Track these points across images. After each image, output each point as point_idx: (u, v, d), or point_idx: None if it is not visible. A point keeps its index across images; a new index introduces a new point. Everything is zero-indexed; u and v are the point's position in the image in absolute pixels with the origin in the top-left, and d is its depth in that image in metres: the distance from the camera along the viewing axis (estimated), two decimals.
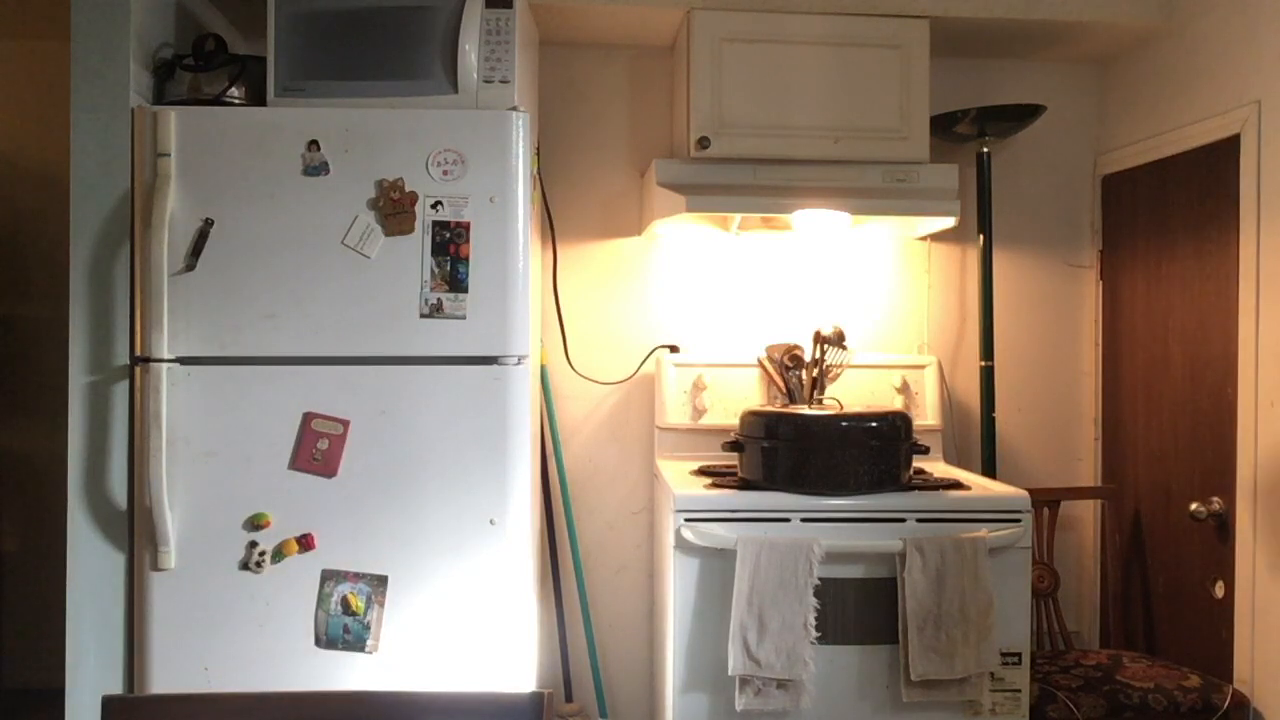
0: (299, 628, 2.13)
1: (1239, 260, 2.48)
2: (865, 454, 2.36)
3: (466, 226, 2.14)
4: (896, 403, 2.87)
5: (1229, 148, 2.52)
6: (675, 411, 2.85)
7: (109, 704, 1.31)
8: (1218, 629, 2.56)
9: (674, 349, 2.94)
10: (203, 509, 2.13)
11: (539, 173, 2.77)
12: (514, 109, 2.19)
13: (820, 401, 2.65)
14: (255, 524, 2.13)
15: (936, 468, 2.77)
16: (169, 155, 2.11)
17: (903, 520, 2.30)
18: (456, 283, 2.15)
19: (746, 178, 2.61)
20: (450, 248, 2.14)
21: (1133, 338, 2.93)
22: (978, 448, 2.98)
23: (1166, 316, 2.78)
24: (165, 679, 2.13)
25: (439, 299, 2.14)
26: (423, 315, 2.14)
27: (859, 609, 2.29)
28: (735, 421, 2.55)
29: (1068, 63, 3.09)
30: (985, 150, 2.91)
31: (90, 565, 2.15)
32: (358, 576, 2.14)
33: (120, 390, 2.16)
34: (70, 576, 2.15)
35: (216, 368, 2.13)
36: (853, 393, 2.85)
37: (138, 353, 2.14)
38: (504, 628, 2.16)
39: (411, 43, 2.24)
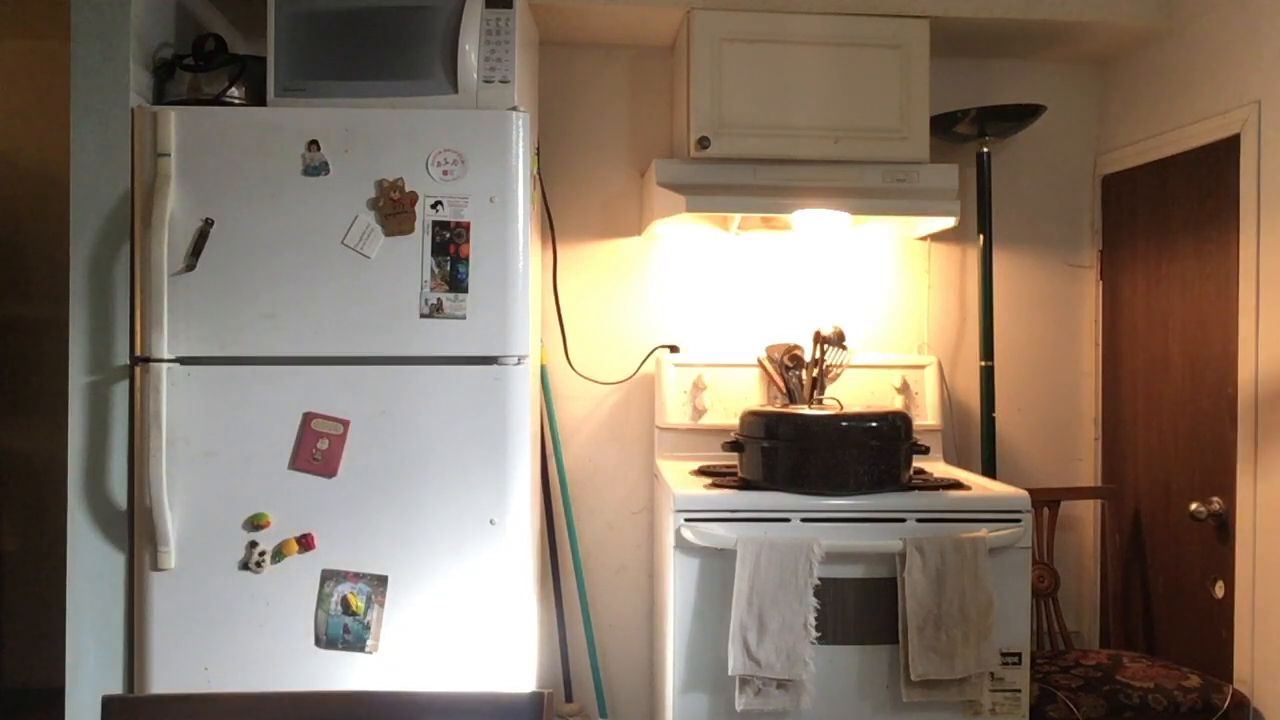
0: (299, 628, 2.13)
1: (1239, 260, 2.48)
2: (865, 454, 2.36)
3: (466, 226, 2.14)
4: (896, 403, 2.87)
5: (1229, 148, 2.52)
6: (675, 411, 2.85)
7: (109, 704, 1.31)
8: (1218, 629, 2.56)
9: (674, 349, 2.94)
10: (203, 509, 2.13)
11: (539, 173, 2.77)
12: (514, 109, 2.19)
13: (820, 401, 2.65)
14: (255, 524, 2.13)
15: (936, 468, 2.77)
16: (169, 155, 2.11)
17: (903, 520, 2.30)
18: (456, 283, 2.15)
19: (746, 178, 2.61)
20: (450, 248, 2.14)
21: (1133, 338, 2.93)
22: (978, 448, 2.98)
23: (1166, 316, 2.78)
24: (165, 679, 2.13)
25: (439, 299, 2.14)
26: (423, 315, 2.14)
27: (859, 609, 2.29)
28: (735, 421, 2.55)
29: (1068, 63, 3.09)
30: (985, 150, 2.91)
31: (90, 565, 2.15)
32: (358, 576, 2.14)
33: (120, 390, 2.16)
34: (70, 576, 2.15)
35: (216, 368, 2.13)
36: (853, 393, 2.85)
37: (138, 353, 2.14)
38: (504, 628, 2.16)
39: (411, 43, 2.24)
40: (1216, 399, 2.57)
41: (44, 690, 3.31)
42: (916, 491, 2.37)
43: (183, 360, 2.12)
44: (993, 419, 2.93)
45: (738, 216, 2.80)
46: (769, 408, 2.57)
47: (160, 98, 2.30)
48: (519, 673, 2.18)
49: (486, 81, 2.23)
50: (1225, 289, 2.54)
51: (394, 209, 2.13)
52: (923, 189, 2.62)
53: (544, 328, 2.92)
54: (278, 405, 2.13)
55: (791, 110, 2.63)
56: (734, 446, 2.48)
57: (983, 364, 2.94)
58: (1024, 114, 2.80)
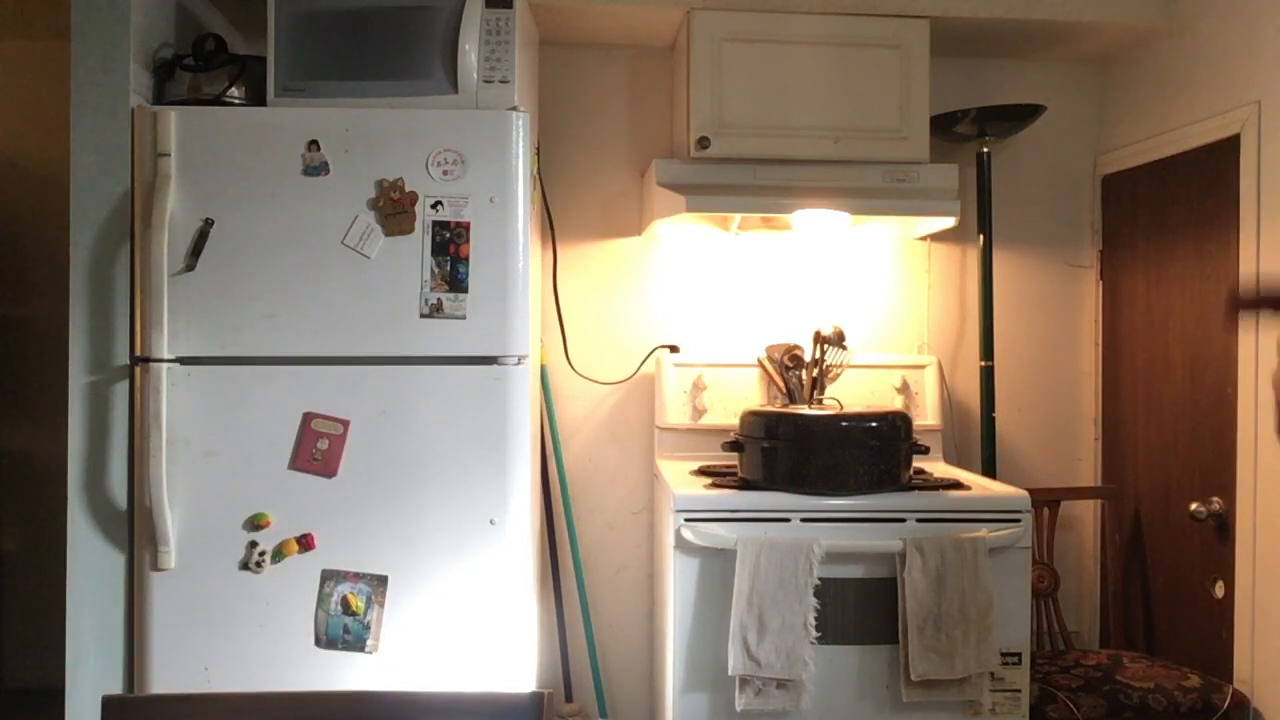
0: (299, 628, 2.13)
1: (1239, 260, 2.48)
2: (865, 454, 2.36)
3: (466, 226, 2.14)
4: (896, 403, 2.87)
5: (1229, 148, 2.52)
6: (675, 411, 2.85)
7: (109, 704, 1.31)
8: (1218, 629, 2.56)
9: (674, 349, 2.94)
10: (203, 509, 2.13)
11: (539, 173, 2.77)
12: (514, 109, 2.19)
13: (820, 401, 2.66)
14: (255, 524, 2.13)
15: (936, 468, 2.77)
16: (169, 155, 2.11)
17: (903, 520, 2.30)
18: (456, 283, 2.15)
19: (746, 178, 2.61)
20: (450, 248, 2.14)
21: (1133, 338, 2.93)
22: (978, 448, 2.98)
23: (1166, 316, 2.78)
24: (165, 679, 2.13)
25: (439, 299, 2.14)
26: (423, 315, 2.14)
27: (859, 609, 2.29)
28: (735, 421, 2.55)
29: (1068, 63, 3.09)
30: (985, 150, 2.91)
31: (90, 565, 2.15)
32: (358, 576, 2.14)
33: (120, 390, 2.16)
34: (70, 576, 2.15)
35: (216, 368, 2.13)
36: (853, 393, 2.85)
37: (138, 353, 2.14)
38: (504, 628, 2.16)
39: (411, 43, 2.24)
40: (1216, 399, 2.57)
41: (44, 690, 3.31)
42: (916, 491, 2.37)
43: (183, 360, 2.12)
44: (993, 419, 2.93)
45: (738, 216, 2.80)
46: (769, 408, 2.57)
47: (160, 98, 2.30)
48: (519, 673, 2.17)
49: (486, 81, 2.23)
50: (1225, 289, 2.54)
51: (394, 209, 2.13)
52: (923, 189, 2.62)
53: (544, 328, 2.92)
54: (278, 405, 2.13)
55: (791, 110, 2.63)
56: (734, 446, 2.48)
57: (983, 364, 2.94)
58: (1024, 114, 2.80)
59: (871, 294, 3.05)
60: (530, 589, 2.31)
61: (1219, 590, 2.56)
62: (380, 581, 2.14)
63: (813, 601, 2.23)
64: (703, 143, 2.60)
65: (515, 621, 2.17)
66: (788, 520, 2.29)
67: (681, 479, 2.51)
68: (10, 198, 3.50)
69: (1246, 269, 2.45)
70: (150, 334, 2.10)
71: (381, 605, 2.14)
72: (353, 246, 2.14)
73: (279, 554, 2.13)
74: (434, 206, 2.14)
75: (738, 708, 2.25)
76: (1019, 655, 2.32)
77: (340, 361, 2.14)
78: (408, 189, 2.13)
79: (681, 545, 2.30)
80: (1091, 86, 3.11)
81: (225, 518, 2.13)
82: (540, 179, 2.84)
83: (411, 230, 2.14)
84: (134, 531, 2.16)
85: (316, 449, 2.14)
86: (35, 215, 3.50)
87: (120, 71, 2.16)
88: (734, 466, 2.55)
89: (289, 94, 2.24)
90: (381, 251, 2.14)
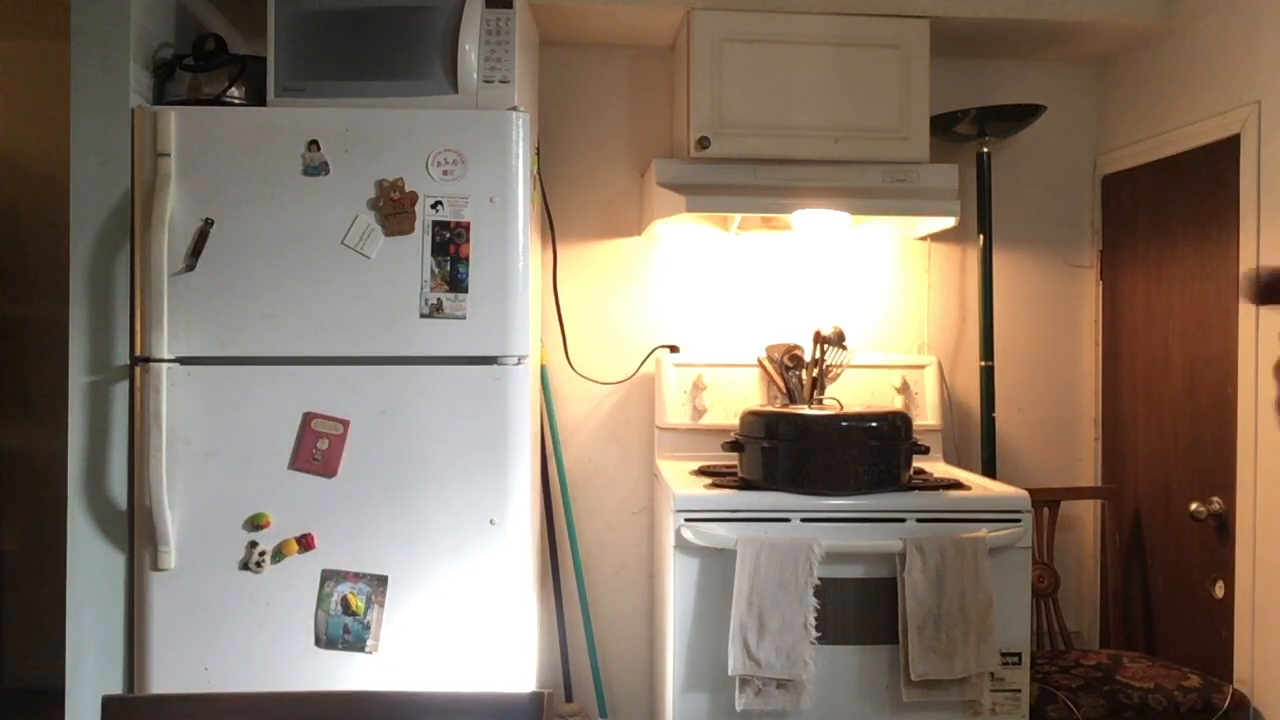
0: (299, 628, 2.13)
1: (1239, 260, 2.48)
2: (865, 454, 2.36)
3: (466, 226, 2.14)
4: (896, 403, 2.87)
5: (1229, 148, 2.52)
6: (675, 411, 2.85)
7: (109, 704, 1.31)
8: (1218, 629, 2.56)
9: (674, 349, 2.94)
10: (203, 509, 2.13)
11: (539, 173, 2.77)
12: (514, 109, 2.19)
13: (820, 401, 2.66)
14: (255, 524, 2.13)
15: (936, 468, 2.77)
16: (169, 155, 2.11)
17: (903, 520, 2.30)
18: (456, 283, 2.15)
19: (746, 178, 2.61)
20: (450, 248, 2.14)
21: (1133, 338, 2.93)
22: (978, 448, 2.98)
23: (1166, 316, 2.78)
24: (165, 679, 2.13)
25: (439, 299, 2.14)
26: (423, 315, 2.14)
27: (859, 609, 2.29)
28: (735, 421, 2.55)
29: (1068, 63, 3.09)
30: (985, 150, 2.91)
31: (90, 565, 2.15)
32: (358, 576, 2.14)
33: (120, 390, 2.16)
34: (70, 576, 2.15)
35: (216, 368, 2.13)
36: (853, 393, 2.85)
37: (138, 353, 2.14)
38: (504, 628, 2.16)
39: (411, 43, 2.24)
40: (1216, 399, 2.57)
41: (44, 690, 3.31)
42: (916, 491, 2.37)
43: (183, 360, 2.12)
44: (993, 419, 2.93)
45: (738, 216, 2.80)
46: (769, 408, 2.57)
47: (160, 98, 2.30)
48: (519, 673, 2.18)
49: (486, 81, 2.23)
50: (1225, 289, 2.54)
51: (394, 209, 2.13)
52: (923, 189, 2.62)
53: (544, 328, 2.92)
54: (278, 405, 2.13)
55: (791, 110, 2.63)
56: (734, 446, 2.48)
57: (983, 364, 2.94)
58: (1024, 114, 2.80)
59: (871, 294, 3.05)
60: (530, 589, 2.31)
61: (1219, 590, 2.56)
62: (380, 581, 2.14)
63: (813, 601, 2.23)
64: (703, 143, 2.60)
65: (515, 621, 2.17)
66: (788, 520, 2.29)
67: (681, 479, 2.51)
68: (10, 198, 3.50)
69: (1247, 269, 2.45)
70: (150, 334, 2.10)
71: (381, 605, 2.14)
72: (353, 246, 2.14)
73: (279, 554, 2.13)
74: (434, 206, 2.14)
75: (738, 708, 2.25)
76: (1019, 655, 2.32)
77: (340, 361, 2.14)
78: (408, 189, 2.13)
79: (681, 545, 2.30)
80: (1091, 86, 3.11)
81: (225, 518, 2.13)
82: (540, 179, 2.84)
83: (411, 230, 2.14)
84: (134, 531, 2.16)
85: (316, 449, 2.14)
86: (35, 215, 3.50)
87: (120, 71, 2.16)
88: (734, 466, 2.55)
89: (289, 94, 2.24)
90: (381, 251, 2.14)
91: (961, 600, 2.24)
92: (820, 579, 2.24)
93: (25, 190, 3.50)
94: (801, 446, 2.36)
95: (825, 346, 2.65)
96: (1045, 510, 2.86)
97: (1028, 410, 3.10)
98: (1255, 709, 2.42)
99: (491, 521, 2.15)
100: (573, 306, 2.97)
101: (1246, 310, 2.45)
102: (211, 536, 2.12)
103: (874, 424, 2.38)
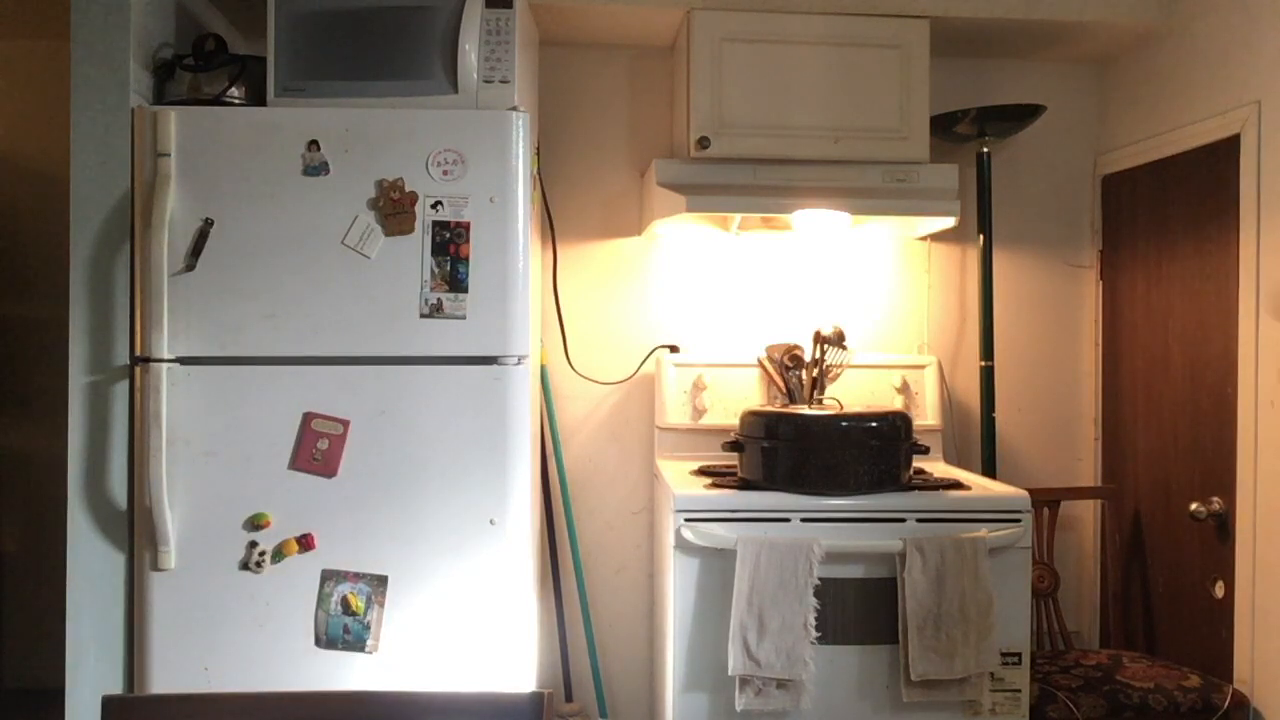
0: (299, 628, 2.13)
1: (1239, 260, 2.48)
2: (865, 454, 2.36)
3: (466, 226, 2.14)
4: (896, 403, 2.87)
5: (1229, 148, 2.52)
6: (675, 411, 2.85)
7: (109, 704, 1.31)
8: (1218, 629, 2.56)
9: (674, 349, 2.94)
10: (203, 509, 2.13)
11: (539, 173, 2.77)
12: (514, 109, 2.19)
13: (820, 401, 2.66)
14: (255, 524, 2.13)
15: (936, 468, 2.77)
16: (169, 155, 2.11)
17: (903, 520, 2.30)
18: (456, 283, 2.15)
19: (746, 178, 2.61)
20: (450, 248, 2.14)
21: (1133, 338, 2.93)
22: (978, 448, 2.98)
23: (1166, 316, 2.78)
24: (165, 679, 2.13)
25: (439, 299, 2.14)
26: (423, 315, 2.14)
27: (859, 609, 2.29)
28: (735, 421, 2.55)
29: (1068, 63, 3.09)
30: (985, 150, 2.91)
31: (90, 565, 2.15)
32: (358, 576, 2.14)
33: (120, 390, 2.16)
34: (70, 576, 2.15)
35: (216, 368, 2.13)
36: (853, 393, 2.85)
37: (138, 353, 2.14)
38: (504, 628, 2.16)
39: (411, 43, 2.24)
40: (1216, 399, 2.57)
41: (44, 690, 3.31)
42: (916, 491, 2.37)
43: (183, 360, 2.12)
44: (993, 419, 2.93)
45: (738, 216, 2.80)
46: (769, 408, 2.57)
47: (160, 98, 2.30)
48: (519, 673, 2.18)
49: (486, 81, 2.23)
50: (1225, 289, 2.54)
51: (394, 209, 2.13)
52: (923, 189, 2.62)
53: (544, 328, 2.92)
54: (278, 405, 2.13)
55: (791, 110, 2.63)
56: (734, 446, 2.48)
57: (983, 364, 2.94)
58: (1024, 114, 2.80)
59: (871, 294, 3.05)
60: (530, 589, 2.31)
61: (1219, 590, 2.56)
62: (380, 581, 2.14)
63: (813, 601, 2.23)
64: (703, 143, 2.60)
65: (515, 621, 2.17)
66: (788, 520, 2.29)
67: (681, 479, 2.51)
68: (10, 198, 3.50)
69: (1246, 269, 2.45)
70: (150, 334, 2.10)
71: (381, 605, 2.14)
72: (353, 246, 2.14)
73: (279, 554, 2.13)
74: (434, 206, 2.14)
75: (738, 708, 2.25)
76: (1019, 655, 2.32)
77: (340, 361, 2.14)
78: (408, 189, 2.13)
79: (681, 545, 2.30)
80: (1091, 86, 3.11)
81: (225, 518, 2.13)
82: (540, 179, 2.84)
83: (411, 230, 2.14)
84: (134, 531, 2.16)
85: (316, 449, 2.14)
86: (35, 215, 3.50)
87: (120, 71, 2.16)
88: (734, 466, 2.55)
89: (289, 94, 2.24)
90: (381, 251, 2.14)
91: (961, 600, 2.24)
92: (820, 579, 2.24)
93: (25, 190, 3.50)
94: (801, 446, 2.36)
95: (825, 346, 2.65)
96: (1045, 510, 2.86)
97: (1028, 410, 3.10)
98: (1255, 709, 2.42)
99: (491, 521, 2.15)
100: (573, 306, 2.97)
101: (1247, 310, 2.45)
102: (211, 536, 2.12)
103: (874, 424, 2.38)
